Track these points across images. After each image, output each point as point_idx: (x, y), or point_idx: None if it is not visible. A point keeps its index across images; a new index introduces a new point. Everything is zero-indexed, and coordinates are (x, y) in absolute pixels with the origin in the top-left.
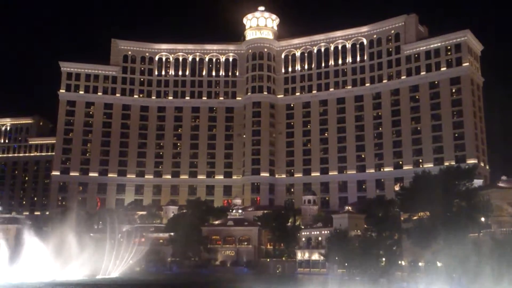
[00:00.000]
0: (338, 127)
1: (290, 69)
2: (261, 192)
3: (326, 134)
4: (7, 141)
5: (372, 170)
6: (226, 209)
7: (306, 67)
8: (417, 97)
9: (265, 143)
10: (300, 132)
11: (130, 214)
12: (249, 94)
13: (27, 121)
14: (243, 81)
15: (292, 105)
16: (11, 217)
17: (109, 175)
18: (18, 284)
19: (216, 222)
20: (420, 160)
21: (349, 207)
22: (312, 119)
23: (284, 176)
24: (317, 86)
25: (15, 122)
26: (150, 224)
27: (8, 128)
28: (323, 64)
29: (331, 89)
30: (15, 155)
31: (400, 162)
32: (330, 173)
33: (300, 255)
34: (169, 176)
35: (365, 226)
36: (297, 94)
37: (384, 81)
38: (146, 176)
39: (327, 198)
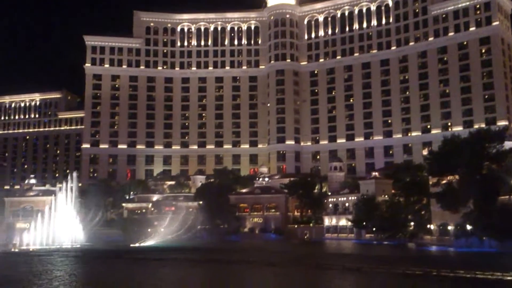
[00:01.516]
0: (363, 93)
1: (313, 35)
2: (287, 160)
3: (351, 100)
4: (37, 115)
5: (399, 135)
6: (253, 177)
7: (329, 32)
8: (445, 59)
9: (290, 111)
10: (325, 99)
11: (159, 184)
12: (272, 62)
13: (55, 96)
14: (266, 49)
15: (316, 72)
16: (46, 189)
17: (137, 146)
18: (56, 248)
19: (243, 190)
20: (449, 124)
21: (376, 173)
22: (337, 85)
23: (309, 143)
24: (341, 52)
25: (44, 97)
26: (179, 193)
27: (38, 103)
28: (347, 29)
29: (356, 54)
30: (46, 129)
31: (428, 126)
32: (356, 140)
33: (327, 221)
34: (195, 146)
35: (393, 191)
36: (321, 60)
37: (411, 43)
38: (173, 147)
39: (353, 165)
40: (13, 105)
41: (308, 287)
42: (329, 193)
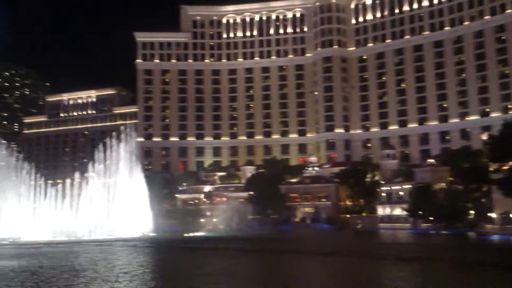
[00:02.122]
0: (416, 77)
1: (361, 19)
2: (337, 149)
3: (403, 85)
4: (94, 112)
5: (456, 120)
6: (302, 167)
7: (378, 15)
8: (503, 37)
9: (338, 99)
10: (375, 84)
11: (210, 175)
12: (318, 49)
13: (110, 92)
14: (312, 37)
15: (364, 57)
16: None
17: (188, 139)
18: (116, 238)
19: (293, 180)
20: (510, 106)
21: (432, 160)
22: (387, 70)
23: (359, 131)
24: (391, 35)
25: (100, 94)
26: (229, 184)
27: (95, 100)
28: (396, 10)
29: (407, 37)
30: (102, 124)
31: (487, 110)
32: (409, 126)
33: (380, 211)
34: (244, 137)
35: (450, 178)
36: (370, 45)
37: (466, 23)
38: (222, 138)
39: (406, 152)
40: (71, 102)
41: (362, 278)
42: (382, 182)
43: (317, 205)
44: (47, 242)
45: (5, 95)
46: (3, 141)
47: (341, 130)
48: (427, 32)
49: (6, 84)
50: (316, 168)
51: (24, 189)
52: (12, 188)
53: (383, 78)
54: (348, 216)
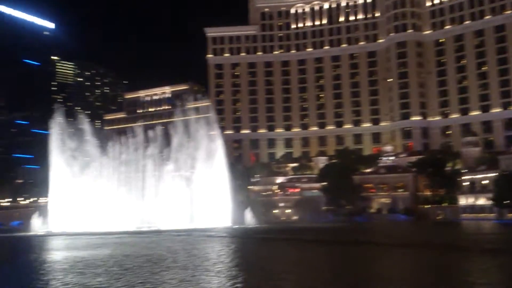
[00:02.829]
0: (498, 59)
1: (436, 1)
2: (413, 137)
3: (484, 68)
4: (169, 107)
5: None
6: (377, 156)
7: None
8: None
9: (414, 85)
10: (453, 69)
11: (282, 167)
12: (391, 34)
13: (183, 88)
14: (384, 22)
15: (441, 41)
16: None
17: (259, 131)
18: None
19: (368, 170)
20: None
21: None
22: (467, 53)
23: (438, 118)
24: (470, 16)
25: (174, 89)
26: (302, 175)
27: (169, 95)
28: None
29: (487, 17)
30: (177, 119)
31: None
32: (492, 111)
33: (463, 200)
34: (315, 128)
35: None
36: (447, 27)
37: None
38: (293, 129)
39: (490, 139)
40: (147, 98)
41: (442, 271)
42: (464, 171)
43: (393, 195)
44: (130, 232)
45: (87, 94)
46: (87, 138)
47: (418, 118)
48: (509, 11)
49: (87, 83)
50: (391, 158)
51: (108, 182)
52: (98, 181)
53: (462, 61)
54: (427, 206)
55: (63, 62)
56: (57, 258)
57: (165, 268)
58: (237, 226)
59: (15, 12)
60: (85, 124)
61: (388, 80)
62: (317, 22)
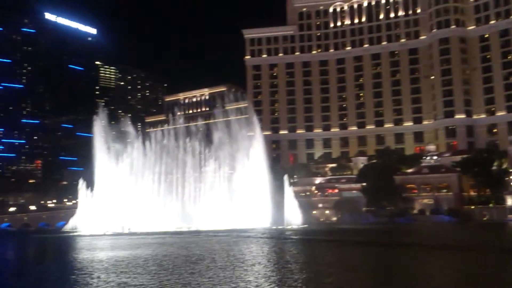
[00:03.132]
0: None
1: None
2: (458, 136)
3: None
4: (207, 109)
5: None
6: (419, 156)
7: None
8: None
9: (458, 82)
10: (499, 64)
11: (321, 167)
12: (434, 31)
13: (221, 89)
14: (426, 18)
15: (486, 36)
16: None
17: (297, 131)
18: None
19: (409, 171)
20: None
21: None
22: None
23: (483, 116)
24: None
25: (212, 91)
26: (341, 175)
27: (207, 97)
28: None
29: None
30: (216, 120)
31: None
32: None
33: (510, 201)
34: (354, 128)
35: None
36: (492, 22)
37: None
38: (332, 130)
39: None
40: (186, 101)
41: (488, 274)
42: (511, 170)
43: (437, 196)
44: (170, 233)
45: (129, 97)
46: (129, 140)
47: (462, 116)
48: None
49: (129, 87)
50: (434, 157)
51: (149, 183)
52: (139, 182)
53: (509, 57)
54: (472, 207)
55: (105, 66)
56: (100, 257)
57: (204, 268)
58: (276, 227)
59: (60, 20)
60: (127, 127)
61: (430, 77)
62: (356, 20)
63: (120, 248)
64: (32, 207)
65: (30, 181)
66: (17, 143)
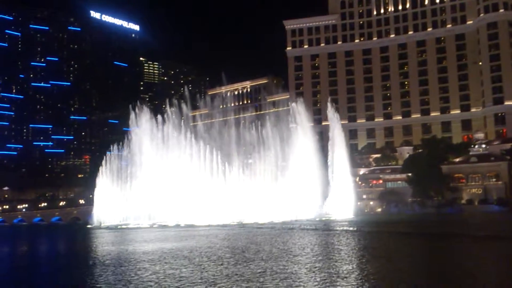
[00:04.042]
0: None
1: None
2: (507, 123)
3: None
4: (249, 101)
5: None
6: (467, 145)
7: None
8: None
9: (507, 67)
10: None
11: (364, 158)
12: (481, 15)
13: (263, 82)
14: (473, 2)
15: None
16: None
17: (341, 122)
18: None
19: (457, 160)
20: None
21: None
22: None
23: None
24: None
25: (254, 84)
26: (385, 166)
27: (249, 90)
28: None
29: None
30: (258, 113)
31: None
32: None
33: None
34: (399, 117)
35: None
36: None
37: None
38: (376, 119)
39: None
40: (228, 94)
41: None
42: None
43: (486, 185)
44: (215, 225)
45: (172, 92)
46: (173, 134)
47: None
48: None
49: (172, 82)
50: (483, 145)
51: (194, 176)
52: (185, 175)
53: None
54: None
55: (149, 62)
56: (147, 249)
57: (247, 259)
58: (320, 219)
59: (105, 17)
60: (172, 121)
61: (478, 63)
62: (400, 7)
63: (166, 240)
64: (81, 201)
65: (79, 175)
66: (65, 139)
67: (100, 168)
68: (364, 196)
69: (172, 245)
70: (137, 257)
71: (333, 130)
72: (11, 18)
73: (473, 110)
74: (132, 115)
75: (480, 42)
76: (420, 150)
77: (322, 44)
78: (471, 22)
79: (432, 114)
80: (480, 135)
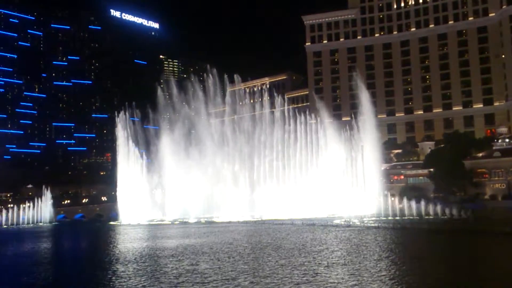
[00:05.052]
0: None
1: None
2: None
3: None
4: (268, 97)
5: None
6: (490, 139)
7: None
8: None
9: None
10: None
11: (385, 153)
12: (504, 7)
13: (282, 78)
14: None
15: None
16: None
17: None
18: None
19: (480, 155)
20: None
21: None
22: None
23: None
24: None
25: (273, 80)
26: (407, 161)
27: (268, 86)
28: None
29: None
30: (279, 109)
31: None
32: None
33: None
34: (420, 112)
35: None
36: None
37: None
38: (396, 114)
39: None
40: (247, 90)
41: None
42: None
43: (509, 180)
44: (235, 222)
45: (192, 89)
46: (193, 131)
47: None
48: None
49: (191, 79)
50: (507, 140)
51: (217, 173)
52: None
53: None
54: None
55: (168, 60)
56: (169, 245)
57: (267, 254)
58: (340, 216)
59: (125, 16)
60: (192, 118)
61: (501, 56)
62: (420, 0)
63: (188, 236)
64: (104, 198)
65: (101, 173)
66: (87, 137)
67: (122, 165)
68: (386, 192)
69: (194, 241)
70: (158, 252)
71: (364, 125)
72: (33, 18)
73: (496, 104)
74: (151, 114)
75: (502, 35)
76: (442, 145)
77: (342, 39)
78: (493, 14)
79: (454, 108)
80: (503, 129)
